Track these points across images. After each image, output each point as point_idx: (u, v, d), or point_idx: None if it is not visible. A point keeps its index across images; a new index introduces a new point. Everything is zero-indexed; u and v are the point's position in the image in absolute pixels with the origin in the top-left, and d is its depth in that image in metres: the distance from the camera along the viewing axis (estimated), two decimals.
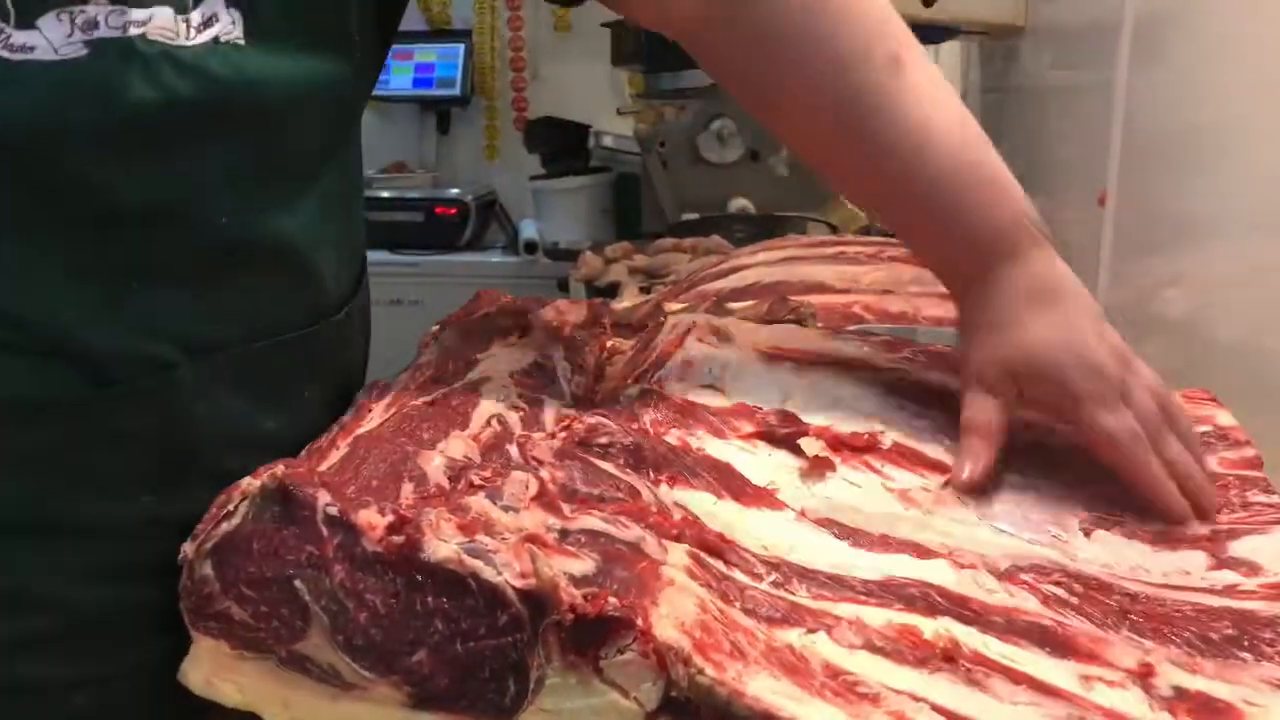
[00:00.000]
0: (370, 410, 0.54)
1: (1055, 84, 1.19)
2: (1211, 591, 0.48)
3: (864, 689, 0.38)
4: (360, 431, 0.51)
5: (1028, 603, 0.46)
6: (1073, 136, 1.11)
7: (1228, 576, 0.49)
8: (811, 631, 0.42)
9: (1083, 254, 1.02)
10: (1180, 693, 0.41)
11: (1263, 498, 0.54)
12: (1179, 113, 0.86)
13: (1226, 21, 0.78)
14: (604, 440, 0.52)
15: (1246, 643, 0.45)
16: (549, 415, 0.56)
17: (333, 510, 0.41)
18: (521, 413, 0.55)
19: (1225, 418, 0.60)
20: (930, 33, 1.34)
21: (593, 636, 0.38)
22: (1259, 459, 0.57)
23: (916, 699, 0.37)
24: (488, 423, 0.54)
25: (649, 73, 2.22)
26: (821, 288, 0.98)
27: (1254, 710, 0.40)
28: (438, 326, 0.66)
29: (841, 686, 0.38)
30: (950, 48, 1.63)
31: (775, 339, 0.64)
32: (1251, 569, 0.50)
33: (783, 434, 0.56)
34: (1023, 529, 0.52)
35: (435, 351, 0.63)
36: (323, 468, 0.48)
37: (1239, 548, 0.51)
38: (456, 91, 2.30)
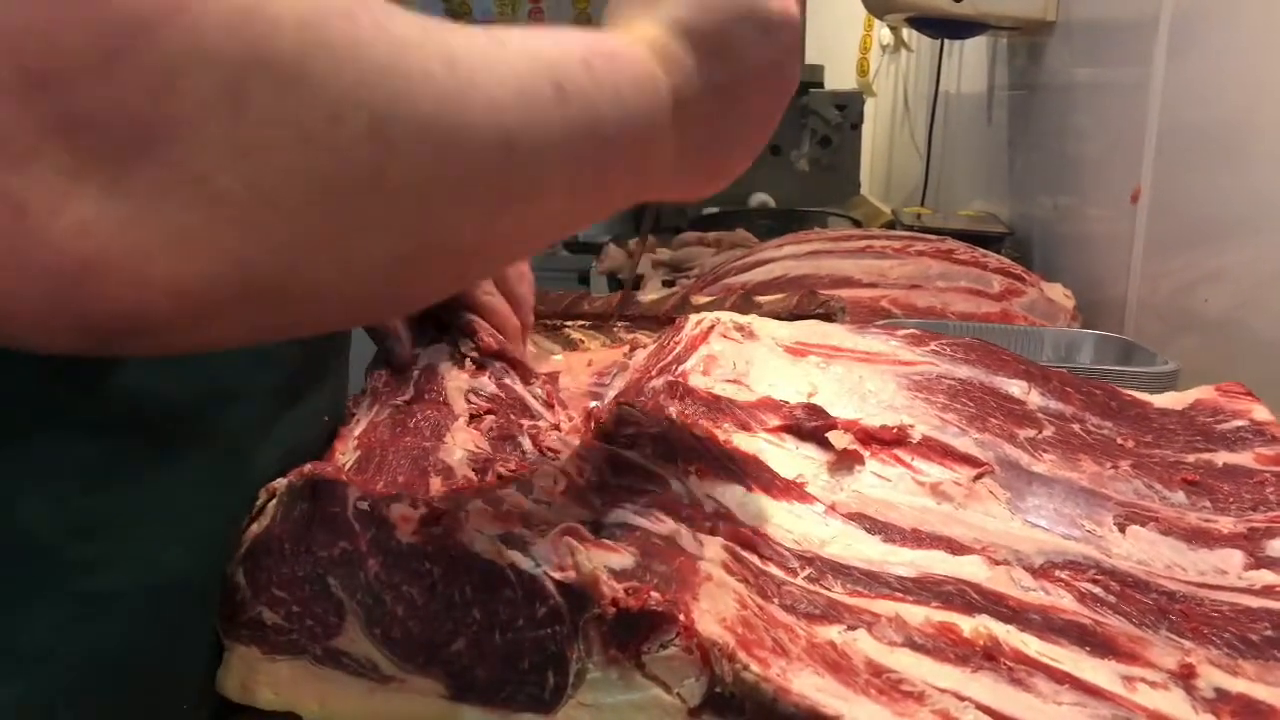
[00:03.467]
0: (353, 414, 0.54)
1: (1087, 80, 1.18)
2: (1250, 591, 0.48)
3: (908, 687, 0.38)
4: (357, 433, 0.50)
5: (1064, 600, 0.46)
6: (1105, 133, 1.10)
7: (1265, 576, 0.49)
8: (851, 628, 0.42)
9: (1116, 250, 1.01)
10: (1222, 694, 0.41)
11: None
12: (1215, 108, 0.85)
13: (1266, 14, 0.77)
14: (631, 430, 0.52)
15: None
16: (534, 403, 0.55)
17: (364, 504, 0.41)
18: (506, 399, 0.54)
19: (1261, 412, 0.59)
20: (959, 28, 1.33)
21: (635, 631, 0.38)
22: None
23: (961, 698, 0.37)
24: (479, 414, 0.53)
25: None
26: (848, 282, 0.98)
27: None
28: None
29: (885, 684, 0.38)
30: (976, 44, 1.62)
31: (799, 335, 0.64)
32: None
33: (811, 427, 0.55)
34: (1056, 524, 0.51)
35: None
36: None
37: (1277, 547, 0.50)
38: None
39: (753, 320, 0.65)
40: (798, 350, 0.63)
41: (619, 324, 0.84)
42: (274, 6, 0.26)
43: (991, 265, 0.98)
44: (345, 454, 0.49)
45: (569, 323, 0.85)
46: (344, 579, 0.40)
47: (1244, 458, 0.57)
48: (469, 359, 0.55)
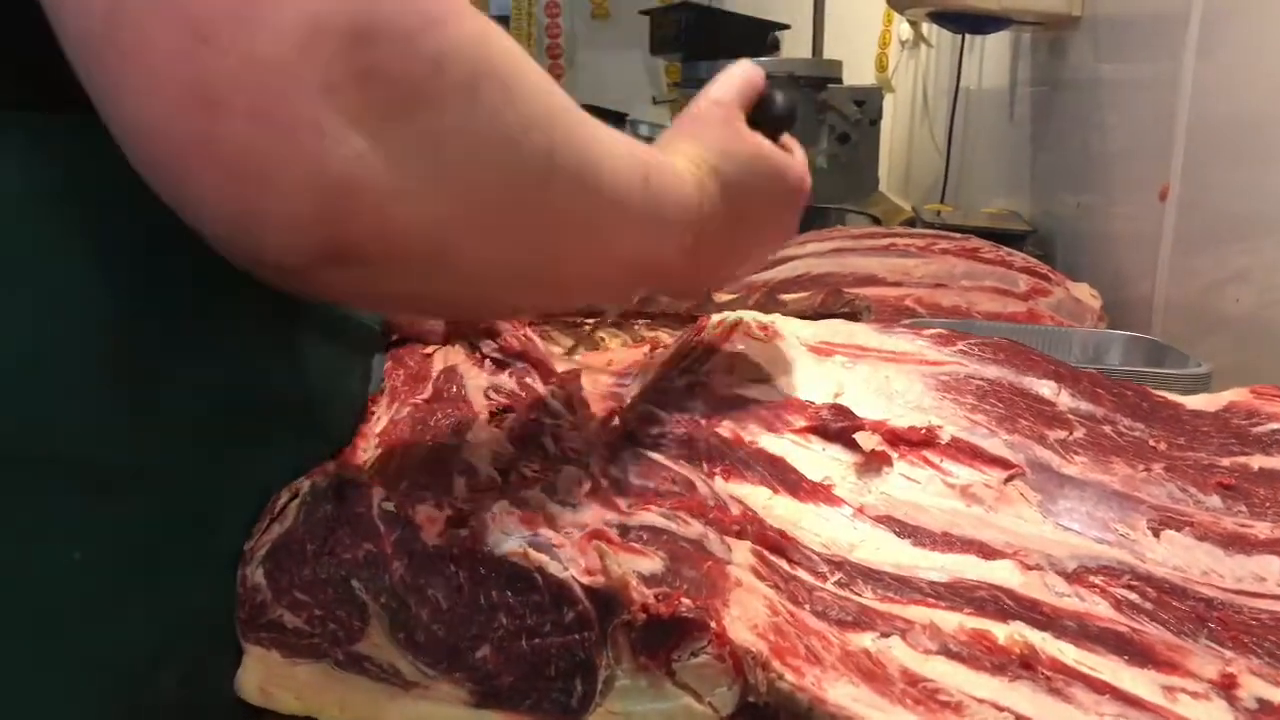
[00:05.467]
0: (373, 413, 0.53)
1: (1113, 76, 1.16)
2: None
3: (945, 697, 0.37)
4: (377, 430, 0.50)
5: (1099, 607, 0.45)
6: (1132, 130, 1.08)
7: None
8: (885, 635, 0.41)
9: (1143, 248, 1.00)
10: (1265, 705, 0.40)
11: None
12: (1245, 104, 0.83)
13: None
14: (655, 430, 0.52)
15: None
16: (555, 402, 0.54)
17: (389, 505, 0.40)
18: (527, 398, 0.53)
19: None
20: (982, 23, 1.31)
21: (665, 638, 0.37)
22: None
23: (1000, 708, 0.36)
24: (498, 411, 0.52)
25: (687, 60, 2.20)
26: (872, 280, 0.97)
27: None
28: None
29: (922, 694, 0.37)
30: (998, 39, 1.60)
31: (823, 334, 0.63)
32: None
33: (837, 428, 0.54)
34: (1089, 527, 0.50)
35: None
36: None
37: None
38: None
39: (776, 319, 0.64)
40: (823, 350, 0.62)
41: (640, 322, 0.83)
42: (500, 37, 0.36)
43: (1017, 264, 0.97)
44: (366, 451, 0.48)
45: (589, 320, 0.85)
46: (368, 582, 0.40)
47: (1279, 462, 0.56)
48: (489, 359, 0.55)
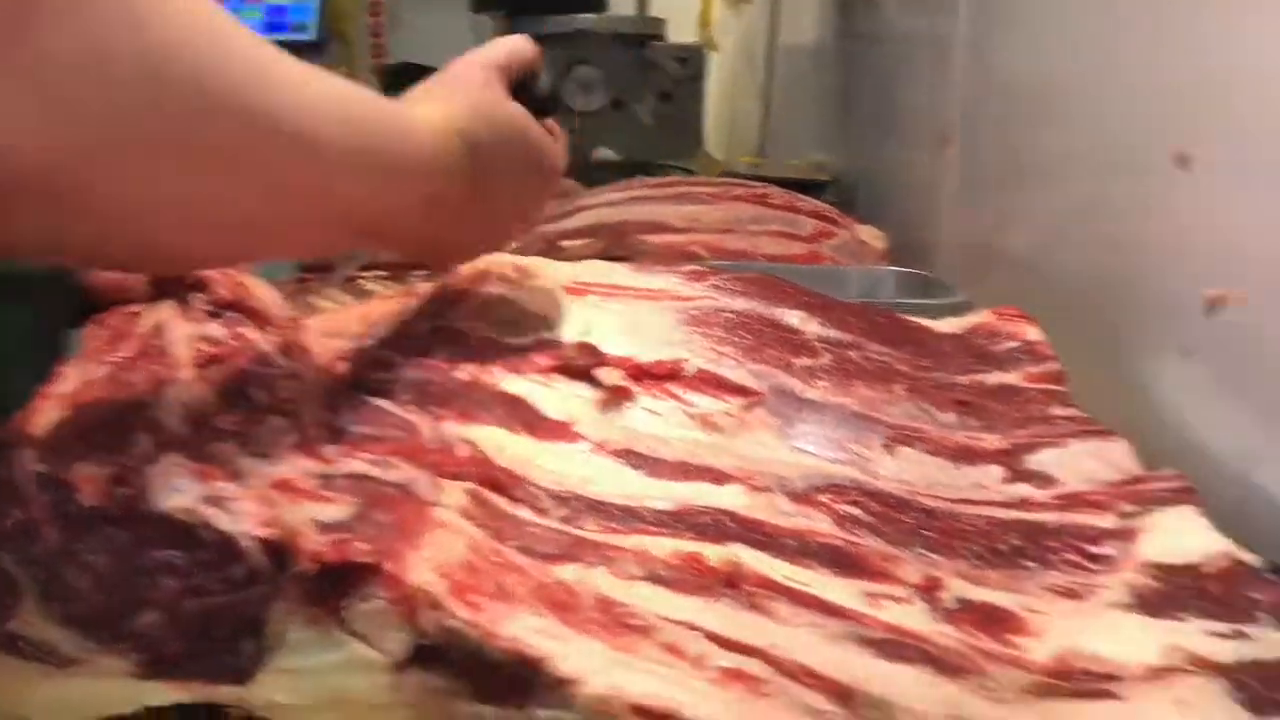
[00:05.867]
0: (62, 374, 0.48)
1: (905, 32, 1.19)
2: (1005, 504, 0.48)
3: (636, 620, 0.36)
4: (64, 391, 0.45)
5: (821, 524, 0.45)
6: (919, 83, 1.12)
7: (1022, 489, 0.49)
8: (590, 566, 0.40)
9: (930, 194, 1.03)
10: (965, 604, 0.41)
11: (1062, 411, 0.54)
12: (1014, 62, 0.87)
13: None
14: (384, 376, 0.49)
15: (1033, 553, 0.44)
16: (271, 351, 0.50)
17: (40, 468, 0.36)
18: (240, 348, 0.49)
19: (1034, 333, 0.60)
20: None
21: (336, 586, 0.35)
22: (1063, 373, 0.57)
23: (693, 627, 0.36)
24: (204, 364, 0.48)
25: (511, 16, 2.14)
26: (663, 227, 0.96)
27: (1035, 617, 0.40)
28: None
29: (611, 620, 0.36)
30: None
31: (579, 274, 0.61)
32: (1045, 481, 0.50)
33: (580, 366, 0.53)
34: (824, 448, 0.51)
35: None
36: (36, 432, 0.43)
37: (1035, 460, 0.51)
38: (311, 36, 2.19)
39: (531, 261, 0.63)
40: (577, 290, 0.61)
41: (416, 274, 0.80)
42: None
43: (804, 209, 0.98)
44: (44, 414, 0.44)
45: (365, 274, 0.81)
46: (18, 553, 0.36)
47: (1014, 377, 0.58)
48: (203, 312, 0.51)
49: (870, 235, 0.96)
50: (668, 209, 0.98)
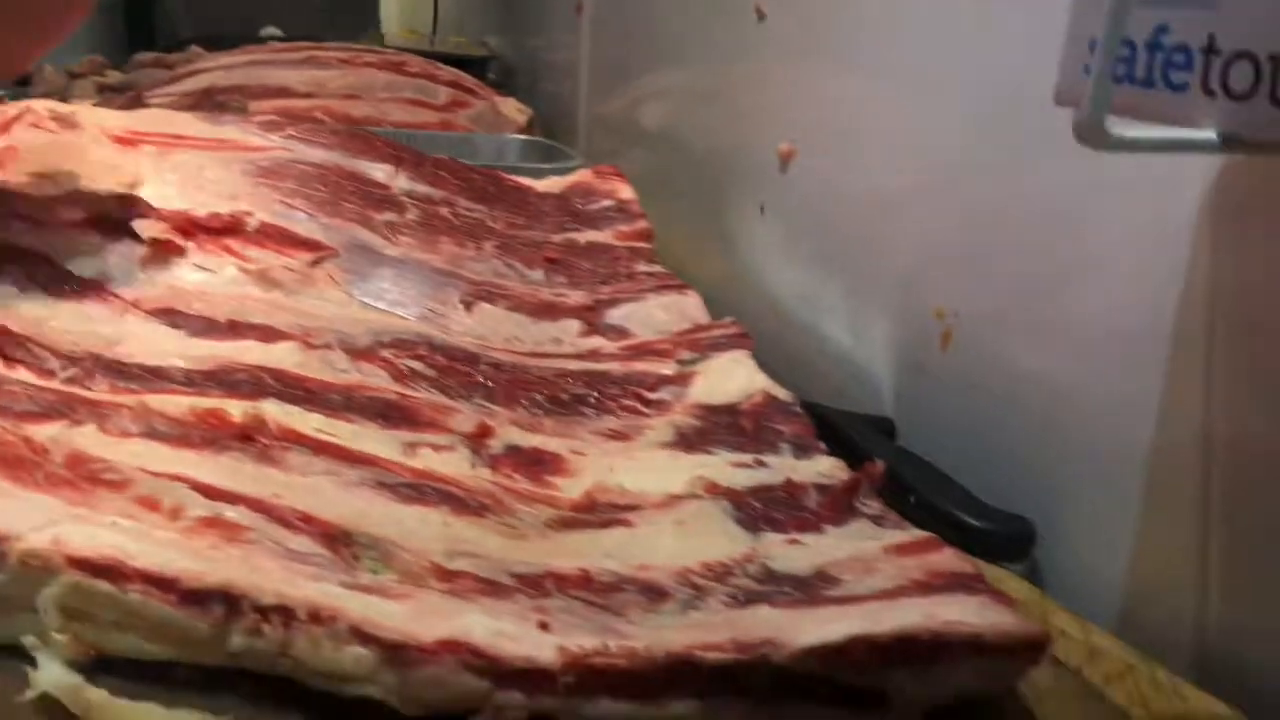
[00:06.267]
0: None
1: None
2: (576, 356, 0.48)
3: (111, 475, 0.32)
4: None
5: (376, 379, 0.42)
6: None
7: (596, 342, 0.49)
8: (76, 424, 0.35)
9: (572, 73, 1.02)
10: (512, 450, 0.40)
11: (645, 268, 0.55)
12: None
13: None
14: None
15: (594, 400, 0.44)
16: None
17: None
18: None
19: (626, 192, 0.60)
20: None
21: None
22: (650, 231, 0.58)
23: (178, 479, 0.32)
24: None
25: None
26: (284, 92, 0.88)
27: (576, 459, 0.40)
28: None
29: (80, 476, 0.31)
30: None
31: (134, 124, 0.54)
32: (620, 334, 0.50)
33: (118, 219, 0.47)
34: (397, 305, 0.48)
35: None
36: None
37: (614, 314, 0.51)
38: None
39: (77, 110, 0.54)
40: (129, 140, 0.53)
41: None
42: None
43: (443, 79, 0.93)
44: None
45: None
46: None
47: (605, 235, 0.58)
48: None
49: (512, 109, 0.93)
50: (290, 74, 0.90)
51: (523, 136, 0.83)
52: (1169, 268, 0.37)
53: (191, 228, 0.48)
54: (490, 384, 0.44)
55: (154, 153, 0.53)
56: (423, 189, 0.56)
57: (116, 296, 0.44)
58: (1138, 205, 0.39)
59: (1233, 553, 0.35)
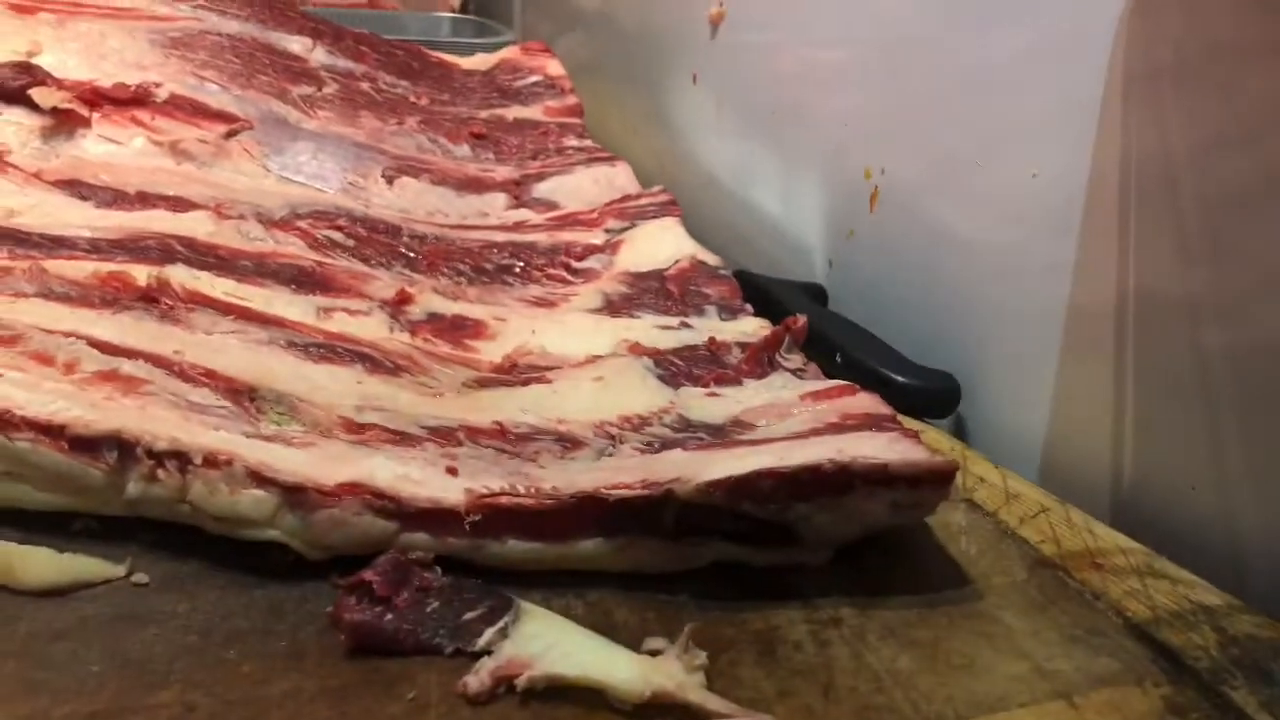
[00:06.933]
0: None
1: None
2: (502, 228, 0.47)
3: (1, 331, 0.30)
4: None
5: (290, 247, 0.41)
6: None
7: (522, 214, 0.48)
8: None
9: None
10: (433, 316, 0.39)
11: (575, 142, 0.54)
12: None
13: None
14: None
15: (519, 269, 0.44)
16: None
17: None
18: None
19: (555, 68, 0.59)
20: None
21: None
22: (579, 106, 0.57)
23: (75, 336, 0.31)
24: None
25: None
26: None
27: (498, 324, 0.39)
28: None
29: None
30: None
31: None
32: (548, 206, 0.49)
33: (15, 88, 0.44)
34: (315, 178, 0.47)
35: None
36: None
37: (542, 188, 0.50)
38: None
39: None
40: (25, 8, 0.50)
41: None
42: None
43: None
44: None
45: None
46: None
47: (534, 111, 0.56)
48: None
49: None
50: None
51: (452, 15, 0.81)
52: (1088, 133, 0.36)
53: (96, 98, 0.46)
54: (412, 254, 0.43)
55: (53, 20, 0.50)
56: (343, 63, 0.54)
57: (15, 168, 0.42)
58: (1057, 74, 0.38)
59: (1145, 402, 0.35)
